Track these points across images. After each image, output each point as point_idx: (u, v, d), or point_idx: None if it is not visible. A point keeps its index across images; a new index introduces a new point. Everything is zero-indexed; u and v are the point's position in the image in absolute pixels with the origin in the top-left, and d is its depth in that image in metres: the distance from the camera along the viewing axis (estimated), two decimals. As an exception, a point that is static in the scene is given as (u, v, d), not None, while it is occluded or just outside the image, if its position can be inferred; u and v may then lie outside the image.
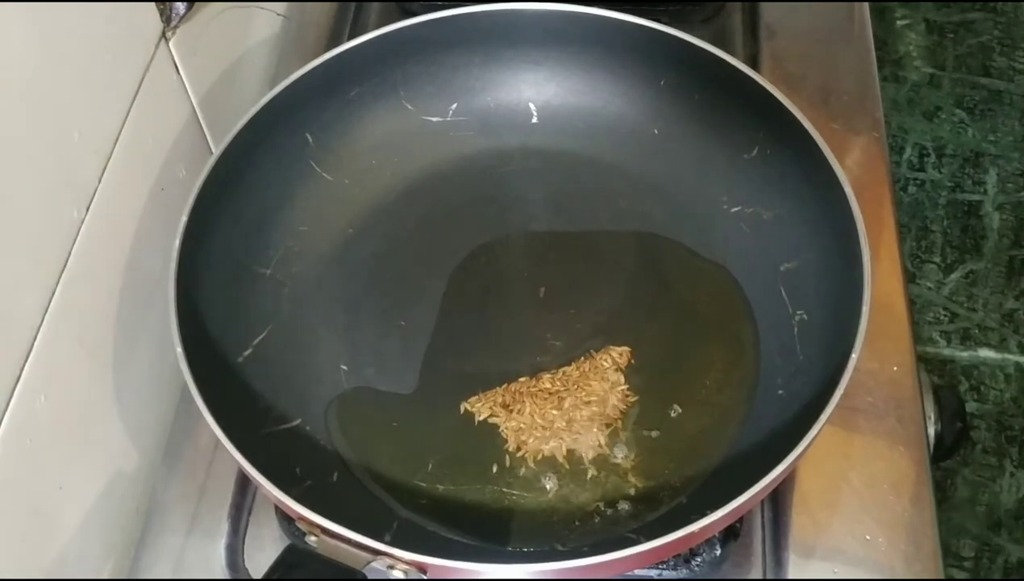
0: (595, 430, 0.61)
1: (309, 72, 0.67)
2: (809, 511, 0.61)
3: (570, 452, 0.61)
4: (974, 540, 1.33)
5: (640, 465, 0.60)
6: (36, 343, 0.53)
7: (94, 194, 0.58)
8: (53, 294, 0.54)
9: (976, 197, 1.62)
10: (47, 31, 0.52)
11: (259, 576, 0.56)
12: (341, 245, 0.70)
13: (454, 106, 0.73)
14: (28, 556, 0.54)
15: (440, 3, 0.71)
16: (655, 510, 0.59)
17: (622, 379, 0.63)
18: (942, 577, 0.59)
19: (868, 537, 0.60)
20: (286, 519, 0.61)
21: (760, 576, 0.60)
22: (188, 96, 0.69)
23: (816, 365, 0.59)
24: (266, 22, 0.80)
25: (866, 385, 0.64)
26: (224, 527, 0.63)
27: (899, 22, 1.81)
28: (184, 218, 0.60)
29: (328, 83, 0.68)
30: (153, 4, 0.63)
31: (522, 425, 0.61)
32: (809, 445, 0.52)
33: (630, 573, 0.59)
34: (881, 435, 0.63)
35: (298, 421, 0.62)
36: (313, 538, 0.51)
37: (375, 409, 0.63)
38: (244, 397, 0.61)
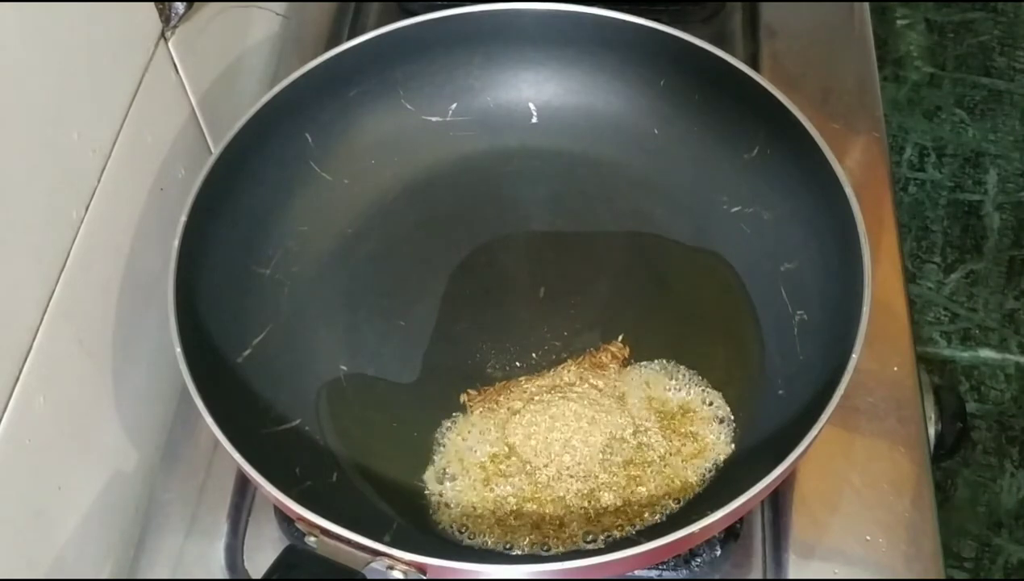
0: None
1: (309, 72, 0.67)
2: (809, 511, 0.61)
3: (571, 451, 0.60)
4: (975, 540, 1.33)
5: (640, 465, 0.60)
6: (35, 343, 0.53)
7: (93, 194, 0.58)
8: (52, 294, 0.54)
9: (976, 197, 1.62)
10: (46, 31, 0.52)
11: (258, 577, 0.56)
12: (341, 245, 0.69)
13: (454, 106, 0.73)
14: (28, 556, 0.54)
15: (440, 3, 0.71)
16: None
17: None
18: (943, 577, 0.59)
19: (868, 537, 0.60)
20: (285, 520, 0.61)
21: (760, 576, 0.60)
22: (187, 96, 0.68)
23: (816, 365, 0.59)
24: (265, 22, 0.80)
25: (866, 385, 0.64)
26: (223, 527, 0.63)
27: (899, 22, 1.81)
28: (183, 218, 0.60)
29: (328, 83, 0.68)
30: (152, 4, 0.63)
31: (521, 424, 0.61)
32: (809, 445, 0.52)
33: (630, 573, 0.58)
34: (881, 435, 0.63)
35: (297, 421, 0.62)
36: (312, 539, 0.51)
37: (375, 410, 0.63)
38: (243, 397, 0.61)
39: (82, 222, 0.57)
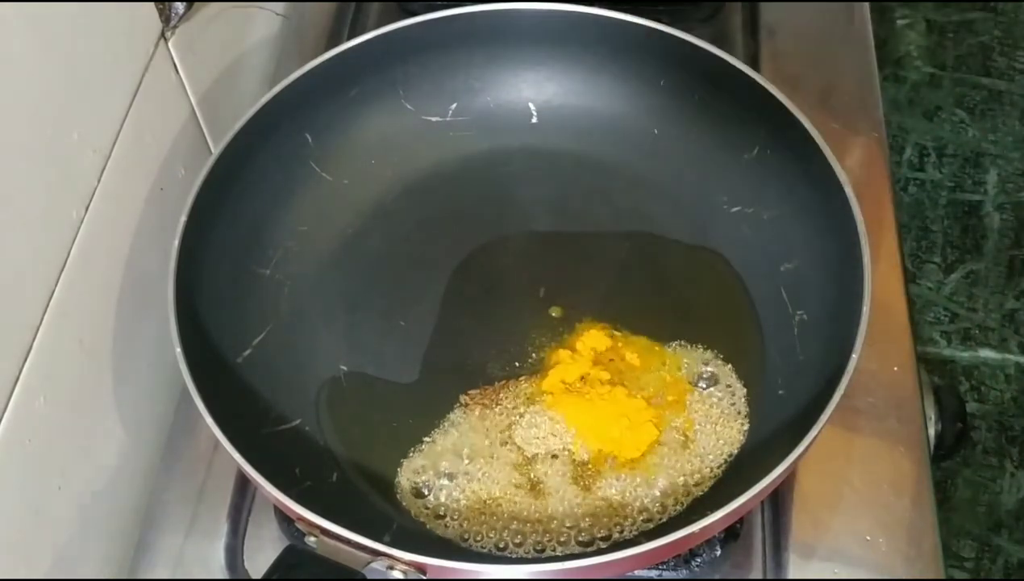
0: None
1: (309, 72, 0.67)
2: (809, 511, 0.61)
3: (570, 452, 0.60)
4: (974, 540, 1.33)
5: (640, 465, 0.60)
6: (35, 343, 0.53)
7: (93, 194, 0.58)
8: (52, 294, 0.54)
9: (976, 197, 1.62)
10: (46, 30, 0.52)
11: (258, 577, 0.56)
12: (341, 245, 0.69)
13: (454, 106, 0.73)
14: (28, 556, 0.54)
15: (440, 3, 0.71)
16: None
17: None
18: (943, 577, 0.59)
19: (868, 537, 0.60)
20: (285, 520, 0.61)
21: (760, 576, 0.60)
22: (187, 96, 0.69)
23: (816, 365, 0.59)
24: (266, 22, 0.80)
25: (866, 385, 0.64)
26: (223, 528, 0.63)
27: (899, 22, 1.81)
28: (183, 218, 0.60)
29: (328, 83, 0.68)
30: (152, 4, 0.63)
31: (521, 424, 0.61)
32: (809, 445, 0.52)
33: (630, 573, 0.58)
34: (881, 435, 0.63)
35: (297, 421, 0.62)
36: (312, 539, 0.51)
37: (375, 409, 0.63)
38: (243, 397, 0.61)
39: (82, 222, 0.57)
